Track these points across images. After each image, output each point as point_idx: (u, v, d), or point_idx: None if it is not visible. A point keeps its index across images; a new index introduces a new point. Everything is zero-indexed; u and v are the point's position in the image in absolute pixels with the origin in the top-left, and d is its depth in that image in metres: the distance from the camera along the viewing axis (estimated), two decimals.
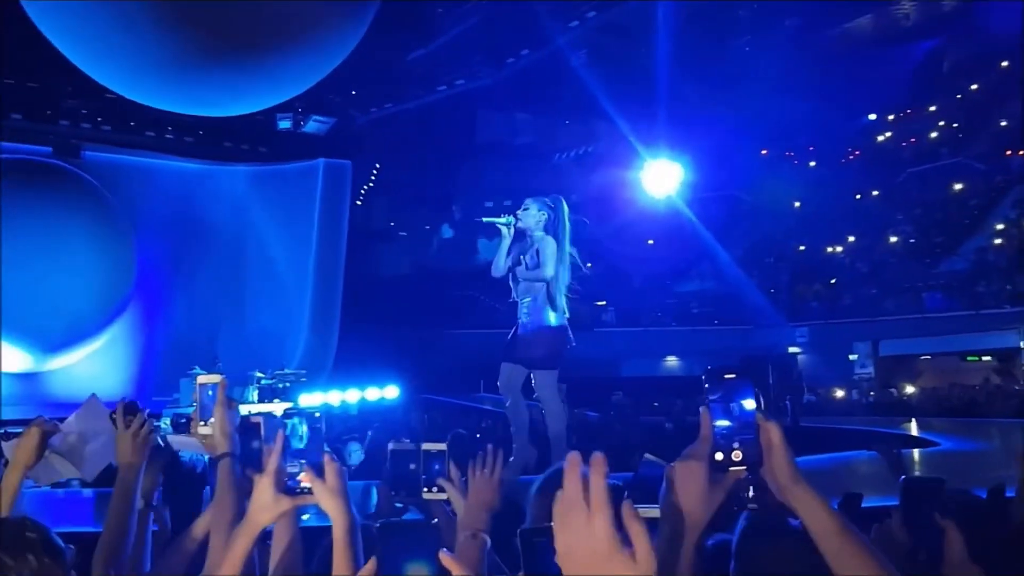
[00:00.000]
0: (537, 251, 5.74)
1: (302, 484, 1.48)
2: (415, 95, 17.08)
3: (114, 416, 2.21)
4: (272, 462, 1.50)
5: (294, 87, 12.40)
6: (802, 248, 26.84)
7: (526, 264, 5.78)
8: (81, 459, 2.32)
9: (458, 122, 18.74)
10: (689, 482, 1.26)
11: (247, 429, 1.94)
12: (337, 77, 12.57)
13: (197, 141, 16.34)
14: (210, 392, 1.99)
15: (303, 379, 15.58)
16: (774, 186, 30.62)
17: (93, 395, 2.46)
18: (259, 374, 14.89)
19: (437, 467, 2.12)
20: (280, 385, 14.98)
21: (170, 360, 15.85)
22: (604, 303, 26.03)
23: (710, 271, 26.92)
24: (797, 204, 29.29)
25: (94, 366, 14.95)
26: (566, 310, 5.82)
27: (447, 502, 2.15)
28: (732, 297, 25.24)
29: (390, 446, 2.20)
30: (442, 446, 2.14)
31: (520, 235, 5.84)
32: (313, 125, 15.83)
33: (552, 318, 5.84)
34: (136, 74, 11.01)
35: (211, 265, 16.70)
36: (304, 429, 1.55)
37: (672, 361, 23.85)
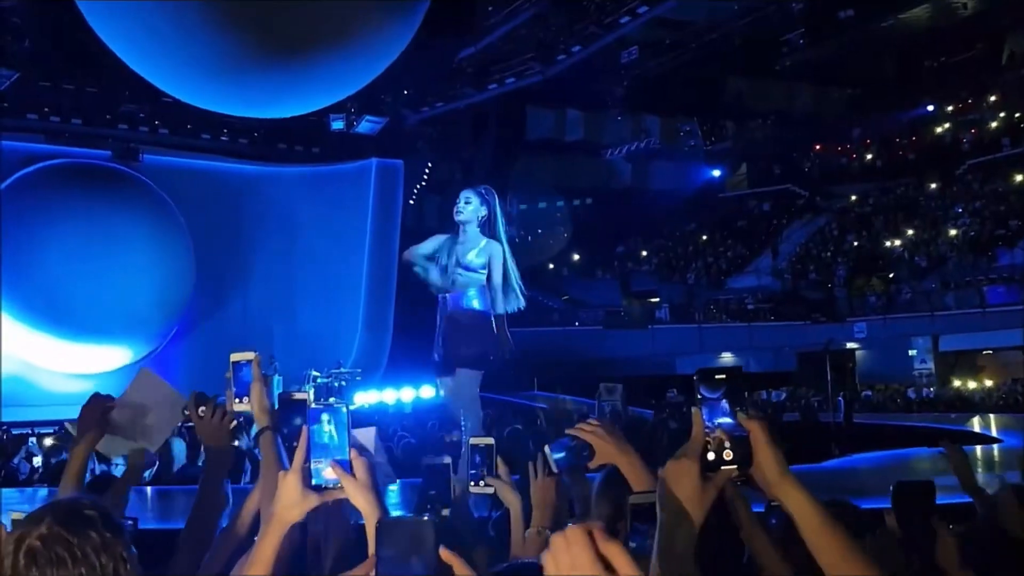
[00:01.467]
0: (490, 259, 5.58)
1: (329, 479, 1.45)
2: (466, 94, 17.08)
3: (186, 410, 2.22)
4: (298, 458, 1.48)
5: (346, 88, 12.49)
6: (857, 243, 26.28)
7: (465, 261, 5.58)
8: (145, 429, 2.37)
9: (509, 119, 18.71)
10: (682, 481, 1.28)
11: (290, 405, 1.98)
12: (388, 77, 12.63)
13: (252, 143, 16.57)
14: (244, 369, 2.03)
15: (358, 377, 15.73)
16: (828, 179, 30.12)
17: (144, 368, 2.52)
18: (315, 372, 15.08)
19: (483, 461, 2.12)
20: (336, 383, 15.14)
21: (226, 359, 16.09)
22: (657, 300, 25.84)
23: (766, 266, 26.52)
24: (854, 197, 28.71)
25: (151, 365, 15.23)
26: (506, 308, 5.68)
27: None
28: (788, 292, 24.83)
29: (425, 461, 2.22)
30: (489, 440, 2.14)
31: (452, 225, 5.67)
32: (365, 125, 15.93)
33: (492, 316, 5.70)
34: (192, 77, 11.19)
35: (266, 265, 16.92)
36: (330, 426, 1.47)
37: (727, 357, 23.53)
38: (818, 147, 31.28)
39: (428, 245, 5.90)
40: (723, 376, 1.35)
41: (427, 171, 17.84)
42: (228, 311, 16.66)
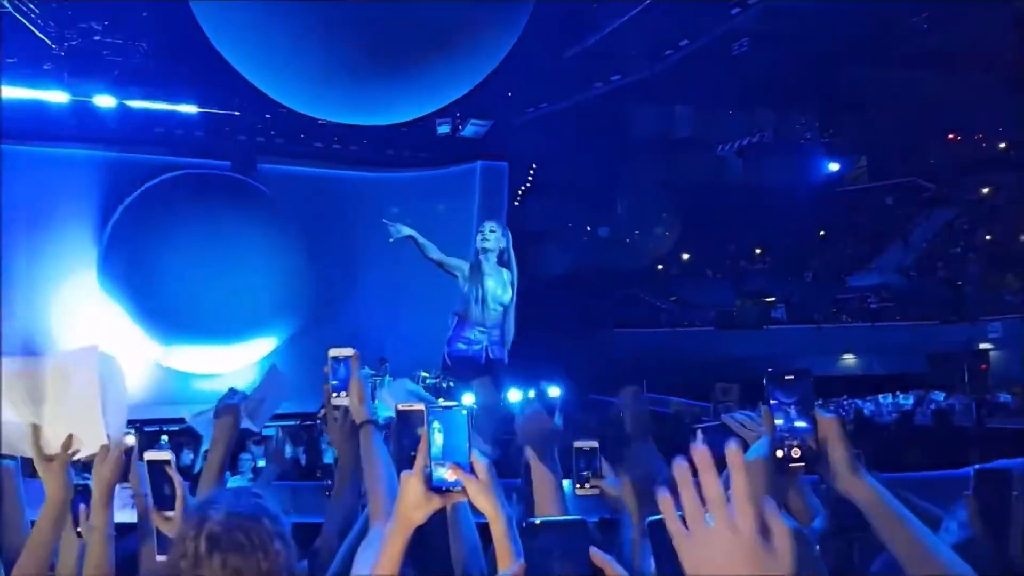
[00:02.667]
0: (512, 283, 5.69)
1: (449, 480, 1.47)
2: (571, 93, 16.96)
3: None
4: (419, 460, 1.50)
5: (454, 92, 12.59)
6: (989, 237, 24.79)
7: (499, 297, 5.63)
8: (257, 415, 2.44)
9: (614, 117, 18.49)
10: (752, 479, 1.24)
11: (408, 417, 1.93)
12: (493, 79, 12.68)
13: (361, 150, 16.93)
14: (343, 364, 2.08)
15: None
16: (957, 171, 28.51)
17: (273, 365, 2.71)
18: (424, 374, 15.31)
19: (587, 464, 2.16)
20: (445, 385, 15.30)
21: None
22: (773, 300, 25.07)
23: (890, 263, 25.34)
24: (985, 190, 27.10)
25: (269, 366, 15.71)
26: None
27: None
28: (915, 290, 23.63)
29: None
30: (594, 444, 2.19)
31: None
32: (471, 128, 16.05)
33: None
34: (304, 86, 11.51)
35: (376, 268, 17.26)
36: (449, 428, 1.47)
37: (849, 359, 22.59)
38: (949, 136, 29.70)
39: (452, 260, 6.13)
40: (792, 377, 1.43)
41: (532, 173, 17.81)
42: (341, 313, 17.10)
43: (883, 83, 24.33)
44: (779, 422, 1.37)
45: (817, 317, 23.55)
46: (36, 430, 1.92)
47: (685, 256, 28.96)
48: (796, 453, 1.34)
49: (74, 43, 12.81)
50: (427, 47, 10.56)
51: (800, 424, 1.36)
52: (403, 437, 1.86)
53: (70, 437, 1.92)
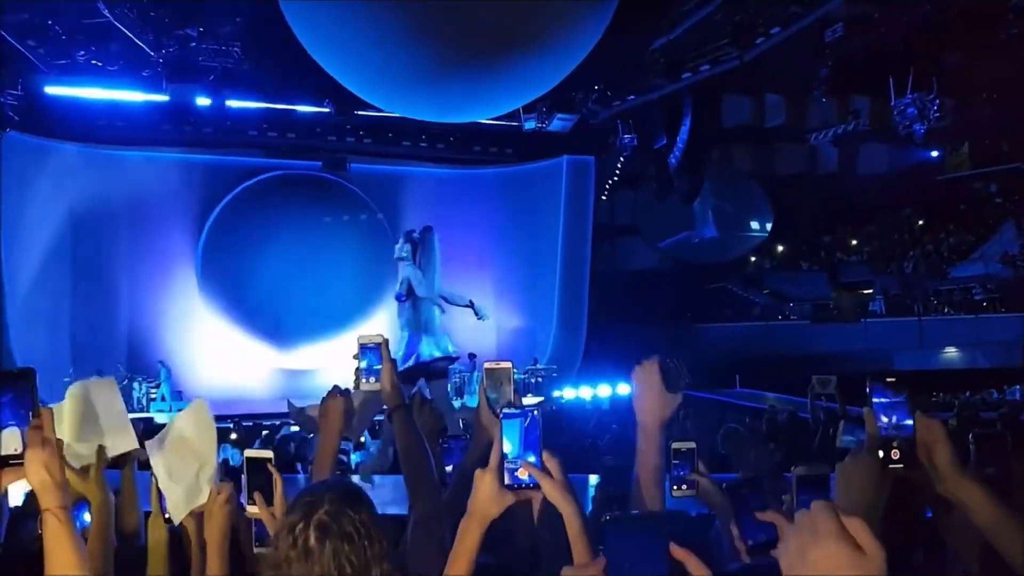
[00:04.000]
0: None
1: (524, 478, 1.49)
2: (659, 85, 16.68)
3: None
4: (494, 457, 1.53)
5: (540, 88, 12.53)
6: None
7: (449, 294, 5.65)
8: (355, 424, 2.55)
9: (704, 108, 18.12)
10: (860, 478, 1.36)
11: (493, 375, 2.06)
12: (579, 73, 12.56)
13: (448, 148, 17.05)
14: (373, 351, 2.10)
15: (554, 374, 15.84)
16: None
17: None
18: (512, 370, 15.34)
19: (683, 463, 2.14)
20: (533, 380, 15.33)
21: (429, 356, 16.75)
22: (871, 292, 24.25)
23: (994, 252, 24.19)
24: None
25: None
26: None
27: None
28: (1021, 280, 22.51)
29: (604, 461, 2.24)
30: (692, 444, 2.18)
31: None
32: (557, 123, 15.96)
33: None
34: (392, 87, 11.64)
35: (464, 263, 17.37)
36: (523, 428, 1.50)
37: (951, 352, 21.67)
38: None
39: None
40: (894, 379, 1.43)
41: (619, 166, 17.61)
42: (429, 310, 17.25)
43: (985, 66, 23.21)
44: (883, 421, 1.39)
45: (917, 309, 22.66)
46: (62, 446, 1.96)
47: (779, 248, 28.25)
48: (896, 455, 1.36)
49: (171, 50, 13.22)
50: (515, 44, 10.55)
51: (902, 425, 1.38)
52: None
53: (101, 447, 1.97)
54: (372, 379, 2.13)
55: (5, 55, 12.78)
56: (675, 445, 2.20)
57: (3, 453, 1.42)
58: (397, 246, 12.47)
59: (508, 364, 2.09)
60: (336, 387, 2.34)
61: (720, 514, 2.18)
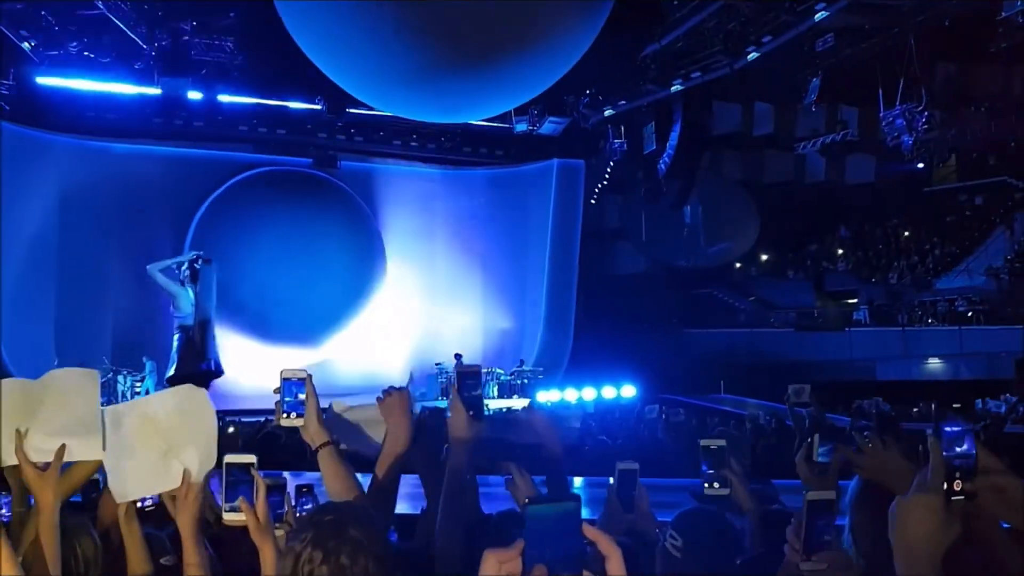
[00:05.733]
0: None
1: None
2: (649, 91, 16.76)
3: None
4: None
5: (532, 90, 12.58)
6: None
7: None
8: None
9: (694, 115, 18.19)
10: (925, 515, 1.30)
11: (467, 375, 2.10)
12: (570, 77, 12.61)
13: (439, 148, 17.08)
14: (296, 386, 2.04)
15: (540, 376, 15.88)
16: None
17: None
18: (498, 370, 15.38)
19: (716, 463, 2.20)
20: (519, 381, 15.36)
21: (415, 356, 16.77)
22: (856, 301, 24.39)
23: (979, 264, 24.39)
24: None
25: (348, 358, 16.06)
26: None
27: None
28: (1009, 293, 22.69)
29: (618, 465, 2.31)
30: (722, 442, 2.22)
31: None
32: (548, 126, 16.02)
33: None
34: (385, 86, 11.65)
35: (453, 265, 17.42)
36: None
37: (935, 363, 21.83)
38: None
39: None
40: (959, 406, 1.29)
41: (609, 170, 17.69)
42: (417, 309, 17.29)
43: (975, 79, 23.38)
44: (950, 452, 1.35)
45: (901, 320, 22.82)
46: (20, 436, 1.90)
47: (765, 256, 28.38)
48: (958, 486, 1.32)
49: (164, 43, 13.19)
50: (507, 47, 10.59)
51: (965, 456, 1.35)
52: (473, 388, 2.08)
53: (63, 447, 1.91)
54: (294, 415, 2.05)
55: None
56: (704, 443, 2.23)
57: None
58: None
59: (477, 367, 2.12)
60: (392, 386, 2.32)
61: (749, 514, 2.24)
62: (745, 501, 2.21)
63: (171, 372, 13.01)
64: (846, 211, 26.86)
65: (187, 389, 2.00)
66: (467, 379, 2.17)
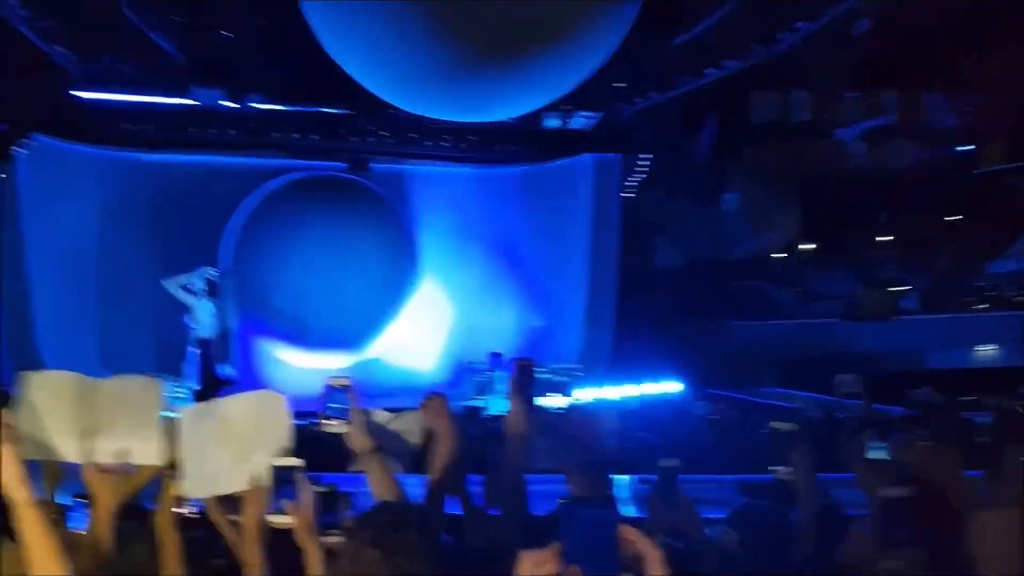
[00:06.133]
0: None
1: None
2: (683, 81, 16.52)
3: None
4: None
5: (563, 86, 12.44)
6: None
7: None
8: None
9: (729, 104, 17.92)
10: (1002, 531, 1.30)
11: (523, 370, 2.20)
12: (602, 70, 12.44)
13: (470, 147, 17.01)
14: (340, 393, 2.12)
15: (580, 373, 15.72)
16: None
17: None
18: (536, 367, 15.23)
19: (783, 446, 2.24)
20: (558, 379, 15.22)
21: (453, 356, 16.75)
22: (903, 288, 23.91)
23: None
24: None
25: (384, 361, 16.12)
26: None
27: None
28: None
29: (660, 463, 2.34)
30: (792, 425, 2.35)
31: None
32: (579, 121, 15.84)
33: None
34: (412, 86, 11.60)
35: (488, 264, 17.37)
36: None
37: (987, 351, 21.29)
38: None
39: None
40: None
41: (645, 163, 17.46)
42: (454, 309, 17.27)
43: (1020, 60, 22.76)
44: None
45: (951, 306, 22.32)
46: (94, 437, 1.92)
47: (807, 245, 27.92)
48: None
49: (196, 53, 13.30)
50: (537, 43, 10.47)
51: None
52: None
53: (125, 450, 1.97)
54: (338, 421, 2.12)
55: (33, 60, 12.93)
56: (774, 425, 2.30)
57: None
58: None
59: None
60: (438, 392, 2.37)
61: (802, 508, 2.24)
62: (807, 495, 2.12)
63: (194, 384, 13.36)
64: (890, 197, 26.30)
65: (265, 394, 2.08)
66: (524, 374, 2.23)
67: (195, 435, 2.01)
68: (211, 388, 12.52)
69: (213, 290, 13.61)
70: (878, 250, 27.50)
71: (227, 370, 13.67)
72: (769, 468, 2.12)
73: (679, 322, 17.51)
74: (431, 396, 2.32)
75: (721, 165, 18.35)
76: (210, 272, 13.74)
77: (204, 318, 13.58)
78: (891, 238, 27.67)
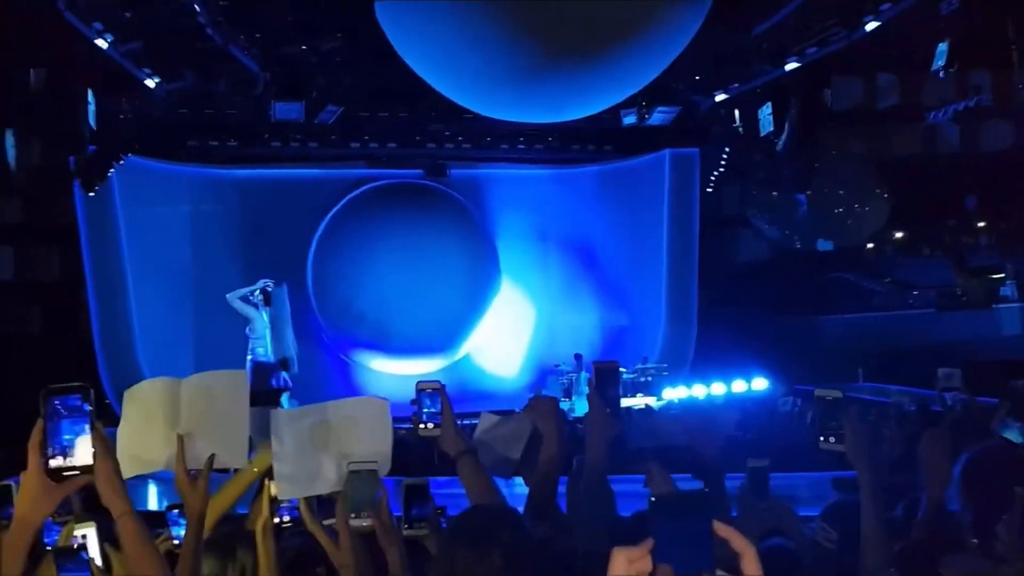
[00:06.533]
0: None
1: None
2: (763, 71, 16.18)
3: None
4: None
5: (638, 82, 12.35)
6: None
7: None
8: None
9: (811, 92, 17.47)
10: None
11: (605, 372, 2.17)
12: (678, 64, 12.29)
13: (547, 148, 17.02)
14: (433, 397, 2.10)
15: (665, 372, 15.54)
16: None
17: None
18: (621, 368, 15.11)
19: (830, 413, 2.07)
20: (642, 379, 15.08)
21: (535, 358, 16.75)
22: (1002, 276, 22.90)
23: None
24: None
25: (467, 365, 16.25)
26: None
27: None
28: None
29: (749, 463, 2.28)
30: (837, 393, 2.09)
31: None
32: (657, 116, 15.65)
33: None
34: (487, 88, 11.66)
35: (568, 264, 17.33)
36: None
37: None
38: None
39: None
40: None
41: (725, 156, 17.16)
42: (534, 311, 17.28)
43: None
44: None
45: None
46: (182, 442, 1.93)
47: (898, 234, 27.02)
48: None
49: (277, 69, 13.65)
50: (610, 41, 10.40)
51: None
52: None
53: (212, 458, 1.94)
54: (431, 424, 2.10)
55: (122, 82, 13.47)
56: (819, 393, 2.07)
57: (76, 464, 1.43)
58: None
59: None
60: (540, 394, 2.43)
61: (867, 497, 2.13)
62: (866, 473, 2.00)
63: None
64: (984, 181, 25.25)
65: (370, 400, 2.11)
66: (605, 376, 2.18)
67: (293, 437, 2.03)
68: (266, 396, 12.91)
69: (267, 300, 14.02)
70: (973, 236, 26.43)
71: (283, 377, 14.03)
72: (820, 439, 2.00)
73: (765, 317, 17.14)
74: (539, 398, 2.35)
75: (805, 154, 17.85)
76: (267, 284, 14.14)
77: (260, 328, 14.02)
78: (987, 223, 26.56)
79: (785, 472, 6.88)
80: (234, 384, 2.05)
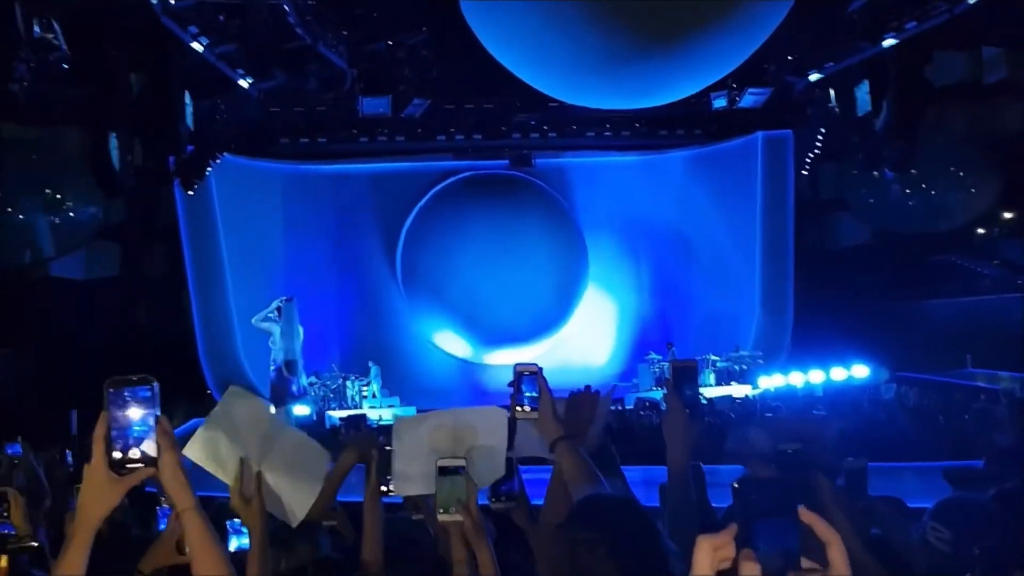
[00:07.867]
0: None
1: None
2: (860, 48, 15.58)
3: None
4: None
5: (728, 65, 12.07)
6: None
7: None
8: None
9: (910, 69, 16.74)
10: None
11: (682, 371, 2.13)
12: (770, 44, 11.94)
13: (634, 134, 16.81)
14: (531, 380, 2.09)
15: (760, 360, 15.18)
16: None
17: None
18: (713, 357, 14.85)
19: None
20: (736, 367, 14.77)
21: (626, 347, 16.59)
22: None
23: None
24: None
25: (558, 355, 16.19)
26: None
27: None
28: None
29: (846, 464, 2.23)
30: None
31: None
32: (749, 99, 15.26)
33: None
34: (576, 78, 11.58)
35: (657, 252, 17.11)
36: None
37: None
38: None
39: None
40: None
41: (820, 137, 16.59)
42: (625, 300, 17.12)
43: None
44: None
45: None
46: (245, 465, 1.95)
47: (1008, 215, 25.73)
48: None
49: (364, 65, 13.85)
50: (698, 24, 10.19)
51: None
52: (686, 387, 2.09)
53: (259, 476, 1.96)
54: (529, 408, 2.10)
55: (218, 84, 13.89)
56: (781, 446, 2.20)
57: (140, 456, 1.44)
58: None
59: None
60: (588, 386, 2.34)
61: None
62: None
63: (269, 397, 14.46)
64: None
65: (487, 409, 2.14)
66: (683, 375, 2.13)
67: (411, 439, 2.09)
68: (286, 401, 14.11)
69: (280, 314, 14.92)
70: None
71: (301, 382, 14.91)
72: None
73: (866, 303, 16.53)
74: (585, 392, 2.29)
75: (906, 134, 17.12)
76: (280, 301, 14.96)
77: (277, 339, 14.89)
78: None
79: (889, 462, 6.61)
80: (321, 459, 2.12)
